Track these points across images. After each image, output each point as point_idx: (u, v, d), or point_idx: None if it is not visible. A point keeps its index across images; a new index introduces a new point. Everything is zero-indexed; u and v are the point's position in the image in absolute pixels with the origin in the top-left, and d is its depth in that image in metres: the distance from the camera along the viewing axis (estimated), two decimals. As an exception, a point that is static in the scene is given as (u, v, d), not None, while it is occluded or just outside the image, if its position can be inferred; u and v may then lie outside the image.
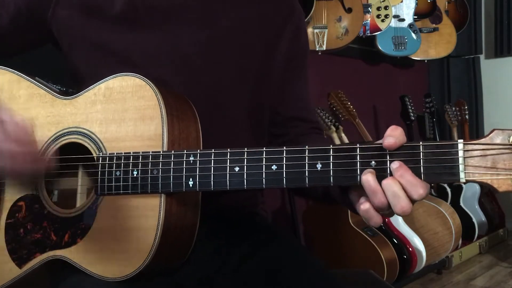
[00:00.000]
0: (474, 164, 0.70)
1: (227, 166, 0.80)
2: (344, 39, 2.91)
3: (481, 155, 0.69)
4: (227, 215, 1.05)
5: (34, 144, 0.90)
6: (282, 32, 1.09)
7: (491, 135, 0.70)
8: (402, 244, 2.65)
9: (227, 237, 1.03)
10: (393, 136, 0.72)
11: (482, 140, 0.70)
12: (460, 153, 0.70)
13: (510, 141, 0.68)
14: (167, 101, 0.87)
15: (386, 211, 0.74)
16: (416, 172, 0.72)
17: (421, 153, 0.72)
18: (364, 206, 0.75)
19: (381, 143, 0.74)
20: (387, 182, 0.72)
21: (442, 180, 0.72)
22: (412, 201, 0.72)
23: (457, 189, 3.47)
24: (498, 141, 0.69)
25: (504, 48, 3.99)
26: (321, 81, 3.02)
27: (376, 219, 0.75)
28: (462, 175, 0.70)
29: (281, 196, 2.87)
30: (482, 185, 0.71)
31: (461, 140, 0.71)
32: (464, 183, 3.50)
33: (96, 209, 0.88)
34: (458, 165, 0.70)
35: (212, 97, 1.01)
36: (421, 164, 0.72)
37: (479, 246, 3.50)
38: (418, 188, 0.71)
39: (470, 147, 0.70)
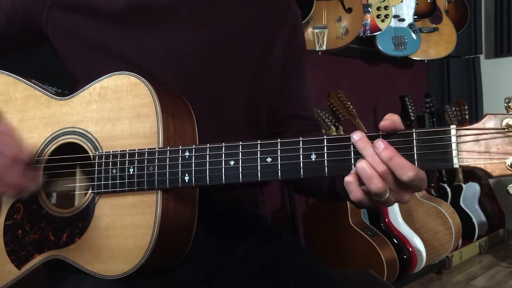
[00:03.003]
0: (467, 149, 0.70)
1: (222, 161, 0.81)
2: (344, 39, 2.91)
3: (474, 140, 0.69)
4: (226, 215, 1.06)
5: (22, 156, 0.88)
6: (279, 31, 1.09)
7: (483, 120, 0.70)
8: (402, 244, 2.65)
9: (227, 237, 1.03)
10: (390, 119, 0.73)
11: (475, 125, 0.70)
12: (453, 139, 0.70)
13: (503, 125, 0.68)
14: (162, 98, 0.87)
15: (383, 197, 0.74)
16: (409, 159, 0.72)
17: (414, 140, 0.72)
18: (348, 178, 0.75)
19: (374, 134, 0.74)
20: (361, 165, 0.73)
21: (436, 166, 0.72)
22: (401, 183, 0.73)
23: (457, 189, 3.48)
24: (490, 125, 0.69)
25: (504, 48, 3.99)
26: (321, 81, 3.02)
27: (356, 193, 0.76)
28: (455, 160, 0.70)
29: (281, 196, 2.87)
30: (476, 170, 0.70)
31: (454, 126, 0.70)
32: (464, 181, 3.50)
33: (93, 208, 0.88)
34: (451, 151, 0.70)
35: (209, 97, 1.01)
36: (415, 151, 0.72)
37: (479, 246, 3.50)
38: (408, 170, 0.71)
39: (462, 132, 0.70)
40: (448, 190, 3.44)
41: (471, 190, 3.54)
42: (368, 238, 2.53)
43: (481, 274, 3.10)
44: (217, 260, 0.99)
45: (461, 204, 3.44)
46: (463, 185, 3.49)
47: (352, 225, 2.58)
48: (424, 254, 2.72)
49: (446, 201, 3.32)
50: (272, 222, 1.17)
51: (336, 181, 0.94)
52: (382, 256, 2.48)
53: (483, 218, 3.56)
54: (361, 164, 0.73)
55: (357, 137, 0.74)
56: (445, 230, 2.96)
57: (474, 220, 3.41)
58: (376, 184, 0.73)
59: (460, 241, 3.22)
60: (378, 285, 1.25)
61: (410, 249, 2.67)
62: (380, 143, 0.72)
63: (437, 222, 2.96)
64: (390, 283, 2.28)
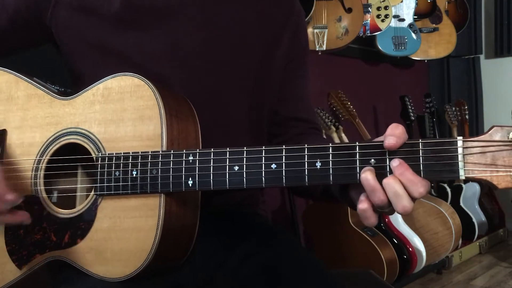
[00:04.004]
0: (473, 161, 0.69)
1: (226, 166, 0.80)
2: (344, 39, 2.91)
3: (480, 152, 0.69)
4: (227, 215, 1.06)
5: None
6: (282, 31, 1.08)
7: (490, 131, 0.69)
8: (402, 244, 2.65)
9: (227, 237, 1.03)
10: (394, 135, 0.72)
11: (482, 137, 0.70)
12: (460, 150, 0.70)
13: (510, 137, 0.68)
14: (166, 101, 0.87)
15: (386, 209, 0.74)
16: (415, 169, 0.71)
17: (421, 150, 0.72)
18: (362, 205, 0.75)
19: (381, 141, 0.73)
20: (388, 181, 0.72)
21: (442, 177, 0.72)
22: (413, 199, 0.72)
23: (457, 189, 3.48)
24: (497, 137, 0.69)
25: (504, 48, 3.99)
26: (321, 81, 3.02)
27: (372, 220, 0.75)
28: (461, 172, 0.70)
29: (281, 196, 2.87)
30: (482, 182, 0.70)
31: (461, 137, 0.70)
32: (464, 181, 3.50)
33: (95, 209, 0.88)
34: (458, 162, 0.70)
35: (211, 97, 1.01)
36: (421, 162, 0.72)
37: (479, 246, 3.50)
38: (419, 187, 0.71)
39: (469, 144, 0.70)
40: (448, 190, 3.44)
41: (471, 190, 3.54)
42: (368, 238, 2.53)
43: (481, 274, 3.10)
44: (217, 260, 0.99)
45: (461, 204, 3.44)
46: (463, 185, 3.49)
47: (352, 225, 2.58)
48: (424, 254, 2.72)
49: (446, 201, 3.32)
50: (272, 222, 1.18)
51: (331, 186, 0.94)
52: (382, 256, 2.48)
53: (483, 218, 3.56)
54: (366, 176, 0.72)
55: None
56: (445, 230, 2.97)
57: (474, 220, 3.41)
58: (379, 197, 0.72)
59: (460, 241, 3.22)
60: (378, 285, 1.25)
61: (410, 249, 2.67)
62: (395, 160, 0.72)
63: (437, 222, 2.96)
64: (390, 283, 2.28)
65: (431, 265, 2.97)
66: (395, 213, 0.75)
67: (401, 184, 0.71)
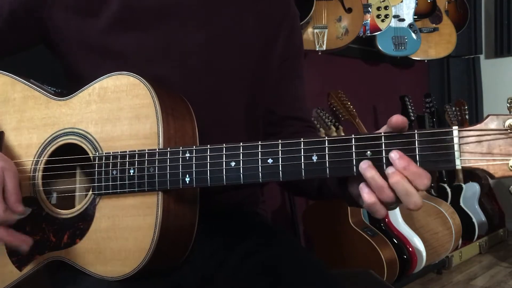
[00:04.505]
0: (469, 150, 0.69)
1: (223, 162, 0.80)
2: (344, 39, 2.91)
3: (476, 141, 0.69)
4: (226, 214, 1.06)
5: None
6: (278, 31, 1.09)
7: (486, 120, 0.69)
8: (402, 244, 2.65)
9: (227, 237, 1.03)
10: (398, 116, 0.72)
11: (477, 126, 0.69)
12: (455, 140, 0.70)
13: (505, 126, 0.68)
14: (162, 99, 0.87)
15: (394, 204, 0.74)
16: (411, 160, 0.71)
17: (416, 141, 0.72)
18: (370, 199, 0.74)
19: (376, 134, 0.73)
20: (397, 180, 0.71)
21: (438, 168, 0.72)
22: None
23: (457, 189, 3.47)
24: (493, 126, 0.69)
25: (504, 48, 3.99)
26: (321, 81, 3.02)
27: (382, 212, 0.75)
28: (458, 161, 0.69)
29: (281, 196, 2.87)
30: (478, 171, 0.70)
31: (456, 127, 0.70)
32: (464, 181, 3.50)
33: (94, 209, 0.88)
34: (454, 152, 0.70)
35: (211, 96, 1.01)
36: (417, 152, 0.71)
37: (479, 246, 3.50)
38: (423, 178, 0.71)
39: (465, 133, 0.69)
40: (448, 190, 3.44)
41: (471, 190, 3.54)
42: (368, 238, 2.53)
43: (481, 274, 3.10)
44: (217, 260, 0.99)
45: (461, 204, 3.44)
46: (463, 185, 3.49)
47: (352, 225, 2.58)
48: (424, 254, 2.72)
49: (446, 201, 3.32)
50: (272, 222, 1.18)
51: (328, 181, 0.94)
52: (382, 256, 2.48)
53: (483, 218, 3.56)
54: (372, 175, 0.72)
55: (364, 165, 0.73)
56: (445, 230, 2.96)
57: (474, 220, 3.40)
58: (387, 194, 0.72)
59: (460, 241, 3.22)
60: (378, 285, 1.25)
61: (410, 249, 2.67)
62: (395, 153, 0.71)
63: (437, 222, 2.96)
64: (390, 283, 2.28)
65: (431, 265, 2.97)
66: (395, 213, 0.75)
67: (408, 181, 0.71)
